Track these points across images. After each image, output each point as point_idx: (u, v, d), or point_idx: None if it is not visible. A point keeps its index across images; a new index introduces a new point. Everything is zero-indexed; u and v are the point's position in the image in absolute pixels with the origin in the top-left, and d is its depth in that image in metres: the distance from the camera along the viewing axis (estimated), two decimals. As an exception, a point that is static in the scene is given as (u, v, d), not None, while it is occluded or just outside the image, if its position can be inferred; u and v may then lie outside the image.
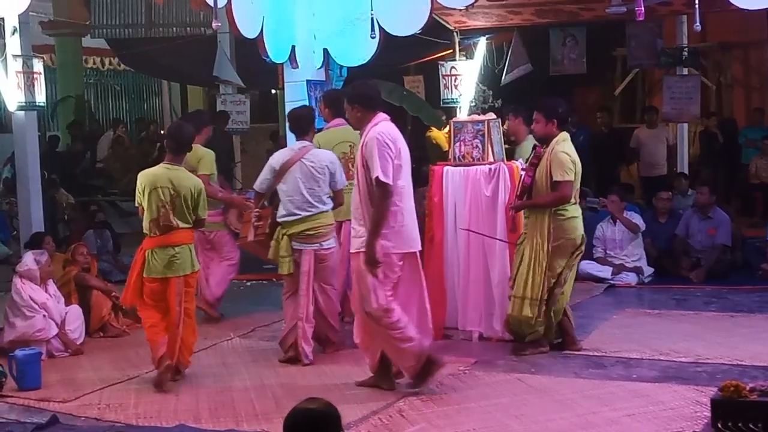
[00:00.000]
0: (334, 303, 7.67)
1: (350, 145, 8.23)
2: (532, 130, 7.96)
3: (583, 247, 7.38)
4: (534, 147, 7.57)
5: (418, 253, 6.56)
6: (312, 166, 7.35)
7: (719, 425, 5.23)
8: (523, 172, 7.52)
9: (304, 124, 7.70)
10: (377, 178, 6.20)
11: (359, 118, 6.55)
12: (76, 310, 8.17)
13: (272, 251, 7.46)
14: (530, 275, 7.22)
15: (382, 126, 6.44)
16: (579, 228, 7.31)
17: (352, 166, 7.67)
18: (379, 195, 6.25)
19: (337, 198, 7.56)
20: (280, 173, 7.36)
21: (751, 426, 5.12)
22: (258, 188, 7.57)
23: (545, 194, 7.21)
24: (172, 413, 6.24)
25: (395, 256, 6.36)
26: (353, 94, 6.67)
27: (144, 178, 7.11)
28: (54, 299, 7.95)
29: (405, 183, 6.41)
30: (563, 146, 7.25)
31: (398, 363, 6.56)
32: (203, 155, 8.61)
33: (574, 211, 7.28)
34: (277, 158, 7.48)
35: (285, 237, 7.33)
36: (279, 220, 7.37)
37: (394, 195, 6.28)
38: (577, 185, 7.29)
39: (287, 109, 10.40)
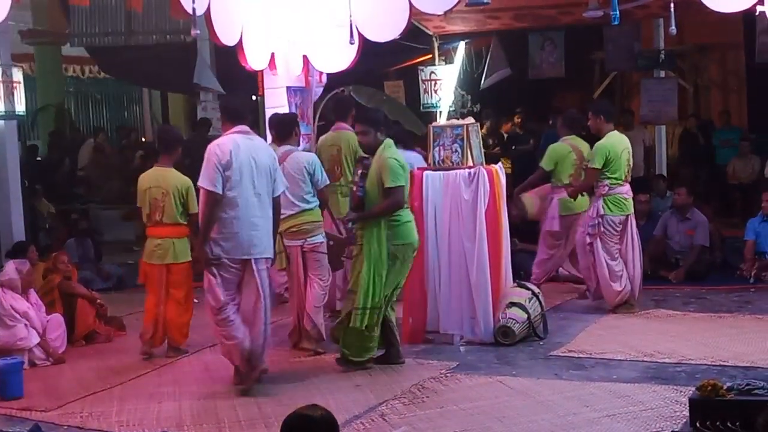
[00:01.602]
0: (317, 294, 7.86)
1: (337, 149, 8.97)
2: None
3: (414, 253, 7.29)
4: (361, 159, 7.48)
5: (254, 262, 6.73)
6: (291, 170, 7.74)
7: (698, 424, 5.29)
8: (353, 186, 7.45)
9: (286, 129, 8.07)
10: (198, 184, 6.74)
11: (223, 126, 7.11)
12: (57, 318, 8.16)
13: None
14: (371, 285, 7.04)
15: (225, 137, 6.85)
16: (414, 232, 7.25)
17: (338, 168, 8.91)
18: (202, 201, 6.75)
19: (321, 196, 7.94)
20: None
21: (729, 425, 5.18)
22: None
23: (379, 203, 7.10)
24: (155, 420, 6.25)
25: (228, 260, 6.69)
26: (220, 104, 7.17)
27: (140, 180, 8.07)
28: (35, 308, 7.95)
29: (238, 194, 6.66)
30: (390, 152, 7.14)
31: (229, 359, 6.95)
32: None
33: (407, 215, 7.21)
34: None
35: (278, 234, 7.56)
36: None
37: (223, 204, 6.63)
38: (408, 192, 7.24)
39: (267, 116, 10.47)
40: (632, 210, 9.11)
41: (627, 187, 9.05)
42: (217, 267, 6.69)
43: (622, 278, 8.93)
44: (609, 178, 8.89)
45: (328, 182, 8.04)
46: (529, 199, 9.76)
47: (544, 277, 9.80)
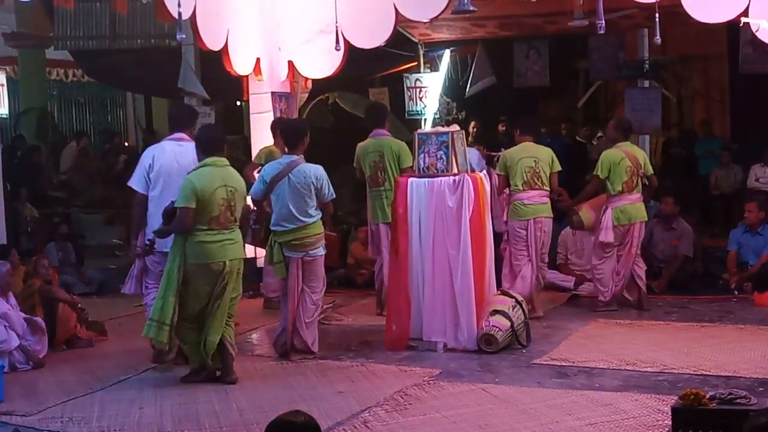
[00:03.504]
0: (308, 307, 7.79)
1: (380, 155, 9.26)
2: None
3: (226, 276, 6.99)
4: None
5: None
6: (297, 183, 7.64)
7: (679, 433, 5.30)
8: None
9: (295, 137, 7.92)
10: (128, 183, 7.72)
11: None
12: (38, 323, 8.09)
13: (267, 257, 7.95)
14: (162, 300, 6.93)
15: (158, 143, 7.82)
16: (215, 254, 6.94)
17: (381, 174, 9.21)
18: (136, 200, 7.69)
19: (326, 209, 7.86)
20: (270, 185, 7.72)
21: (710, 433, 5.19)
22: (253, 195, 7.90)
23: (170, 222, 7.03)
24: (136, 426, 6.22)
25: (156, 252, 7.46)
26: (167, 112, 8.08)
27: None
28: (15, 310, 7.88)
29: (158, 193, 7.46)
30: (194, 173, 7.02)
31: None
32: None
33: (206, 236, 6.92)
34: (267, 171, 7.87)
35: (277, 244, 7.72)
36: (271, 228, 7.75)
37: (149, 202, 7.51)
38: (213, 212, 6.92)
39: (252, 121, 10.46)
40: (534, 215, 9.20)
41: (528, 194, 9.21)
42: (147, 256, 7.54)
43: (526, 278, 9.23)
44: (510, 185, 9.29)
45: (334, 196, 7.88)
46: (586, 211, 9.69)
47: (621, 288, 9.56)
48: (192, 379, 7.21)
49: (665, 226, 10.80)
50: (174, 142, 7.62)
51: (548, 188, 9.30)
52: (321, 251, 7.79)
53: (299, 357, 7.76)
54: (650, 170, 9.66)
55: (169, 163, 7.47)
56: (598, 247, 9.47)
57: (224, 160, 7.14)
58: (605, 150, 9.71)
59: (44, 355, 8.00)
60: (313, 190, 7.65)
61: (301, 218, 7.63)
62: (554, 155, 9.38)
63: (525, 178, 9.19)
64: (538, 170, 9.22)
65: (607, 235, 9.31)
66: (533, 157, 9.24)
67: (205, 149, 7.12)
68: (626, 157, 9.36)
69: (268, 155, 9.22)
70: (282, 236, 7.68)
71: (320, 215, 7.76)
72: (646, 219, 9.58)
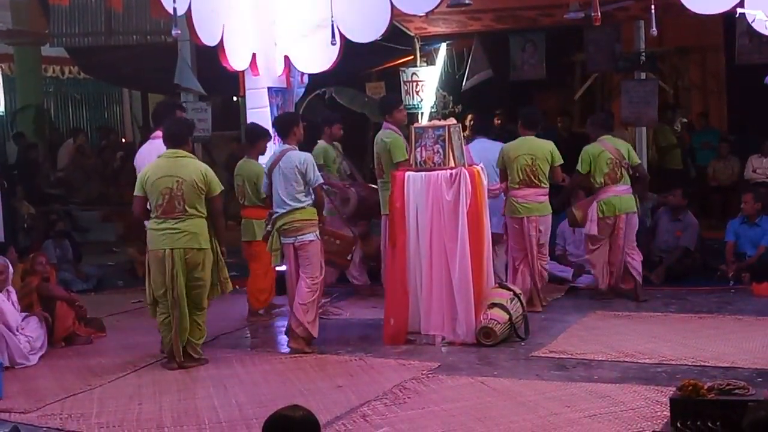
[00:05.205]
0: (303, 291, 7.84)
1: (378, 147, 9.40)
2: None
3: (170, 264, 7.33)
4: None
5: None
6: (285, 169, 7.89)
7: (678, 424, 5.30)
8: None
9: (286, 128, 8.24)
10: None
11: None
12: (36, 320, 8.08)
13: (269, 244, 8.16)
14: (146, 283, 7.59)
15: (148, 142, 8.40)
16: (157, 242, 7.40)
17: (378, 165, 9.47)
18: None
19: (315, 195, 7.96)
20: (269, 175, 8.03)
21: (709, 424, 5.19)
22: (263, 191, 8.29)
23: None
24: (135, 422, 6.22)
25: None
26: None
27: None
28: (14, 305, 7.87)
29: None
30: (149, 164, 7.66)
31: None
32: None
33: (153, 224, 7.44)
34: (267, 163, 8.21)
35: (275, 232, 7.97)
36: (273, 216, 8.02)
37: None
38: (158, 200, 7.38)
39: (249, 116, 10.46)
40: (528, 214, 9.12)
41: (524, 192, 9.14)
42: None
43: (524, 273, 9.19)
44: (507, 181, 9.25)
45: (321, 181, 8.05)
46: (577, 208, 9.68)
47: (616, 279, 9.60)
48: (168, 366, 7.52)
49: (672, 217, 10.81)
50: (151, 141, 8.24)
51: (546, 185, 9.23)
52: (310, 237, 7.85)
53: (298, 349, 7.77)
54: (636, 160, 9.69)
55: (148, 160, 7.81)
56: (587, 239, 9.62)
57: (181, 152, 7.51)
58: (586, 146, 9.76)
59: (44, 352, 7.99)
60: (298, 174, 7.83)
61: (290, 202, 7.84)
62: (554, 149, 9.27)
63: (521, 177, 9.13)
64: (534, 168, 9.13)
65: (593, 227, 9.40)
66: (531, 154, 9.14)
67: (166, 142, 7.62)
68: (606, 150, 9.42)
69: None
70: (277, 222, 7.91)
71: (310, 202, 7.89)
72: (635, 210, 9.57)
